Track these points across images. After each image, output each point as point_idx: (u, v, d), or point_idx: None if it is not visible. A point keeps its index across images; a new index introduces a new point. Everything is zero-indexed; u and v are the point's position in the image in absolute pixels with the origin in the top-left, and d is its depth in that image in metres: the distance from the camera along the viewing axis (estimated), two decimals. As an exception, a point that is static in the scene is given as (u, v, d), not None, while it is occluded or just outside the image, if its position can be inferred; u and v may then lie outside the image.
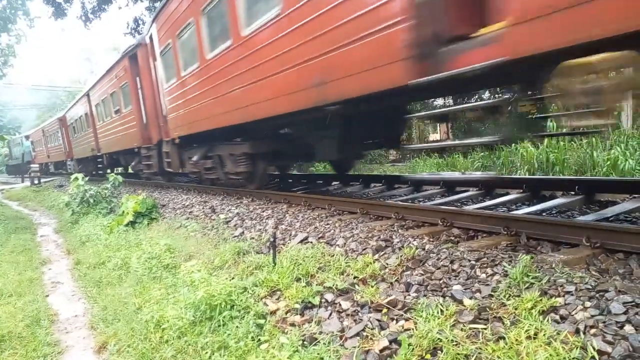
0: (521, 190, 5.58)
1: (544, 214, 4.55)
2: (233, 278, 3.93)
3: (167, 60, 9.63)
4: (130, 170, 16.88)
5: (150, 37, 10.42)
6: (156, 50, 10.17)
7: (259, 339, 2.96)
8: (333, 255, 3.90)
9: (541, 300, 2.48)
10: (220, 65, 7.22)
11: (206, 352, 2.94)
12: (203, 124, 8.30)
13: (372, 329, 2.71)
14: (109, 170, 17.17)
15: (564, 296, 2.51)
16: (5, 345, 3.71)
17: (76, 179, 10.64)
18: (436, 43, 3.61)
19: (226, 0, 6.52)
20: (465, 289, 2.87)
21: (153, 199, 8.73)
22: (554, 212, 4.72)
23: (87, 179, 11.02)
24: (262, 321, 3.15)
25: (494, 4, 3.17)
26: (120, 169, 19.25)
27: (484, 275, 2.99)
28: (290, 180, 10.25)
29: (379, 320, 2.80)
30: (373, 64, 4.25)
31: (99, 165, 19.11)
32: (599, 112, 3.17)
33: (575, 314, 2.34)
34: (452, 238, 3.99)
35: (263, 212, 6.37)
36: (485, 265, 3.12)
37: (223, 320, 3.22)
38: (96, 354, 3.60)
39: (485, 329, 2.41)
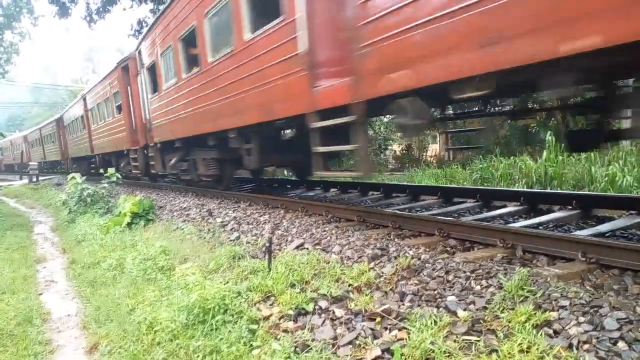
0: (518, 203, 5.58)
1: (540, 227, 4.55)
2: (227, 282, 3.92)
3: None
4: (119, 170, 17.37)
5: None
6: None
7: (251, 344, 2.95)
8: (328, 262, 3.89)
9: (535, 314, 2.48)
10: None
11: (198, 356, 2.92)
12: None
13: (365, 338, 2.70)
14: (101, 170, 17.40)
15: (558, 310, 2.50)
16: (-4, 342, 3.69)
17: (73, 177, 10.61)
18: None
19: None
20: (459, 300, 2.86)
21: (150, 201, 8.72)
22: (550, 226, 4.73)
23: (84, 178, 11.00)
24: (255, 326, 3.14)
25: None
26: (111, 170, 19.37)
27: (478, 287, 2.99)
28: (289, 186, 10.25)
29: (372, 329, 2.79)
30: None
31: (92, 165, 20.08)
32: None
33: (569, 328, 2.34)
34: (448, 249, 3.99)
35: (260, 216, 6.36)
36: (480, 277, 3.11)
37: (216, 324, 3.20)
38: (87, 354, 3.58)
39: (478, 341, 2.41)
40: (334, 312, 3.13)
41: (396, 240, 4.37)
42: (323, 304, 3.25)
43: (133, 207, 7.82)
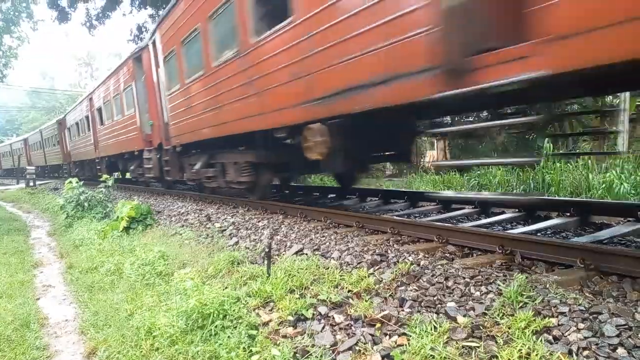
0: (517, 210, 5.60)
1: (539, 234, 4.57)
2: (226, 287, 3.91)
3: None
4: (127, 175, 16.81)
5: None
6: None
7: (251, 350, 2.93)
8: (328, 268, 3.89)
9: (535, 320, 2.49)
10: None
11: (197, 361, 2.92)
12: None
13: (365, 344, 2.70)
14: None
15: (557, 317, 2.51)
16: (-6, 347, 3.67)
17: (70, 182, 10.58)
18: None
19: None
20: (459, 306, 2.87)
21: (148, 205, 8.70)
22: (549, 232, 4.74)
23: (81, 182, 10.98)
24: (254, 332, 3.13)
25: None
26: (116, 174, 19.28)
27: (478, 293, 3.00)
28: (287, 192, 10.25)
29: (372, 335, 2.79)
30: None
31: (98, 167, 18.88)
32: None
33: (569, 335, 2.34)
34: (447, 255, 4.00)
35: (259, 222, 6.36)
36: (479, 283, 3.12)
37: (215, 330, 3.19)
38: (85, 360, 3.56)
39: (478, 347, 2.41)
40: (333, 317, 3.12)
41: (395, 246, 4.38)
42: (322, 309, 3.25)
43: (131, 211, 7.81)
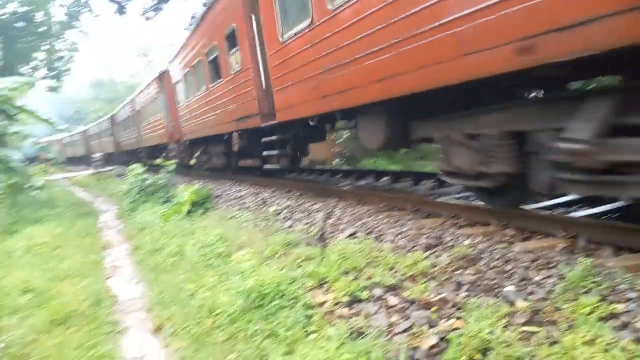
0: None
1: (604, 217, 4.34)
2: (282, 268, 4.00)
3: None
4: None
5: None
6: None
7: (307, 330, 3.00)
8: (382, 251, 3.90)
9: (600, 306, 2.39)
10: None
11: (256, 339, 3.02)
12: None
13: (420, 326, 2.70)
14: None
15: (625, 303, 2.40)
16: (71, 322, 3.96)
17: (134, 168, 11.09)
18: None
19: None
20: (518, 291, 2.80)
21: (207, 189, 8.99)
22: (615, 215, 4.50)
23: (145, 168, 11.48)
24: (310, 312, 3.20)
25: None
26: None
27: (538, 278, 2.91)
28: (340, 175, 10.27)
29: (427, 318, 2.78)
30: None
31: (140, 154, 23.02)
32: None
33: (637, 322, 2.24)
34: (507, 238, 3.89)
35: (312, 205, 6.44)
36: (540, 268, 3.03)
37: (273, 309, 3.29)
38: (153, 335, 3.78)
39: (538, 332, 2.35)
40: (388, 300, 3.14)
41: (451, 229, 4.31)
42: (377, 291, 3.27)
43: (191, 195, 8.10)
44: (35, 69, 29.80)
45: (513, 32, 3.15)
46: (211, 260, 5.06)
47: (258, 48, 8.16)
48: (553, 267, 3.01)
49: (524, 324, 2.46)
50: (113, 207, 12.44)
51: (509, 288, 2.85)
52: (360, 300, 3.25)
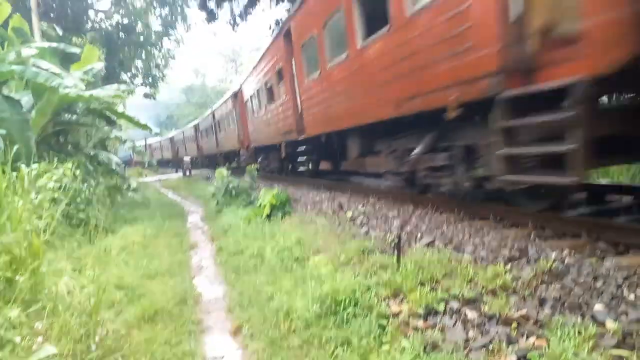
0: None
1: None
2: (357, 275, 4.01)
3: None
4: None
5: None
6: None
7: (381, 340, 2.99)
8: (460, 262, 3.79)
9: None
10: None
11: (330, 346, 3.06)
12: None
13: (499, 343, 2.59)
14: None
15: None
16: (159, 318, 4.24)
17: (220, 171, 11.66)
18: None
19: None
20: (608, 310, 2.60)
21: (287, 194, 9.23)
22: None
23: (230, 172, 12.02)
24: (384, 322, 3.18)
25: None
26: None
27: (632, 297, 2.69)
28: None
29: (507, 335, 2.67)
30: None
31: (218, 158, 26.91)
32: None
33: None
34: (598, 252, 3.62)
35: (389, 211, 6.39)
36: (634, 286, 2.79)
37: (347, 317, 3.31)
38: (232, 336, 3.94)
39: (630, 357, 2.17)
40: (466, 313, 3.04)
41: (537, 241, 4.08)
42: (454, 304, 3.18)
43: (272, 199, 8.36)
44: (134, 76, 32.36)
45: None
46: (289, 263, 5.19)
47: (296, 83, 11.21)
48: (651, 286, 2.76)
49: (614, 347, 2.28)
50: (200, 209, 13.13)
51: (598, 307, 2.66)
52: (436, 313, 3.18)
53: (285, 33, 11.14)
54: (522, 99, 3.83)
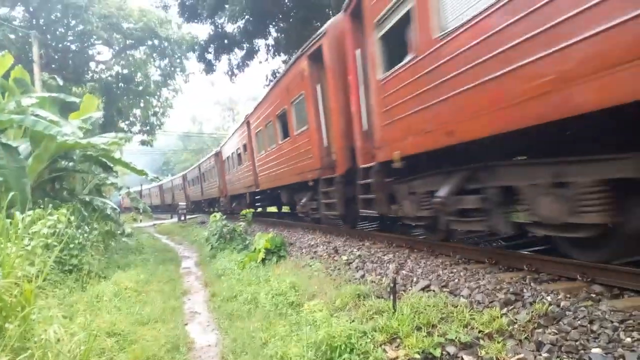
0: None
1: None
2: (353, 321, 3.97)
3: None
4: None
5: (248, 123, 17.10)
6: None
7: (377, 386, 2.94)
8: (456, 306, 3.76)
9: (703, 376, 2.15)
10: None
11: (325, 394, 2.99)
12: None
13: (497, 389, 2.55)
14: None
15: None
16: (151, 366, 4.15)
17: (215, 216, 11.68)
18: None
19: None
20: (606, 353, 2.58)
21: (282, 237, 9.21)
22: None
23: (224, 217, 12.02)
24: (381, 368, 3.13)
25: None
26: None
27: (629, 340, 2.67)
28: (413, 224, 10.08)
29: (505, 380, 2.63)
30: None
31: (221, 203, 25.88)
32: None
33: None
34: (593, 295, 3.61)
35: (384, 255, 6.37)
36: (631, 329, 2.78)
37: (342, 363, 3.25)
38: (226, 384, 3.86)
39: (630, 402, 2.14)
40: (462, 358, 3.00)
41: (532, 284, 4.07)
42: (451, 349, 3.14)
43: (267, 243, 8.33)
44: (132, 124, 32.77)
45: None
46: (283, 308, 5.13)
47: (254, 154, 16.27)
48: (647, 329, 2.75)
49: (613, 393, 2.26)
50: (194, 254, 13.02)
51: (596, 350, 2.63)
52: (433, 358, 3.14)
53: (247, 123, 16.84)
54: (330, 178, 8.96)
